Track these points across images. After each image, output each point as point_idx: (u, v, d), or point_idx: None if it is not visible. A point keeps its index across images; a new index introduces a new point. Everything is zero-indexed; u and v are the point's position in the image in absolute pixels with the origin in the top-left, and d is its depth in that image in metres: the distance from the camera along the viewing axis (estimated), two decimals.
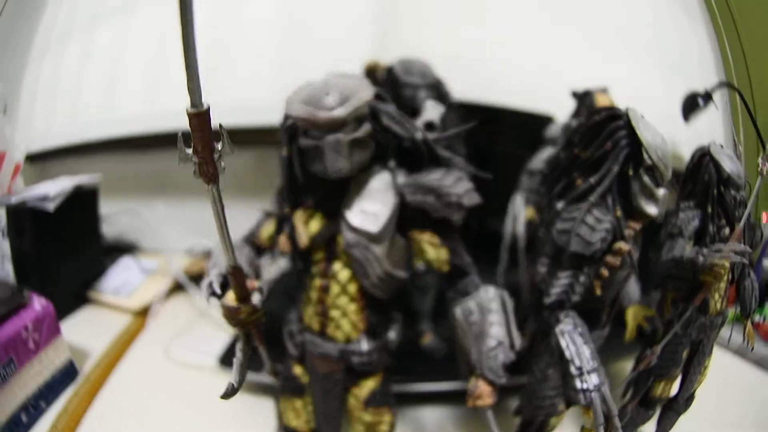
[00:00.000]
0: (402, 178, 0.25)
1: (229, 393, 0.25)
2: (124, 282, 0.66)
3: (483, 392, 0.25)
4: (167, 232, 0.69)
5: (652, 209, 0.29)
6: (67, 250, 0.64)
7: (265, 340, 0.27)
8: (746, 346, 0.46)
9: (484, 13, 0.80)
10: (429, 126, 0.27)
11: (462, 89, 0.61)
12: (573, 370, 0.25)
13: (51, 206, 0.60)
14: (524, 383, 0.34)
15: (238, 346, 0.25)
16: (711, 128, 0.57)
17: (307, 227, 0.25)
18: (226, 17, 0.78)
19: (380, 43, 0.77)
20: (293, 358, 0.30)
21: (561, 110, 0.61)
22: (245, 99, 0.75)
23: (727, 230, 0.39)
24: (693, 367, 0.42)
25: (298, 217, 0.26)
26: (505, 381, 0.25)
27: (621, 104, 0.54)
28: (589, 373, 0.25)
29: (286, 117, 0.25)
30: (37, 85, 0.87)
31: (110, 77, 0.83)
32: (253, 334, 0.25)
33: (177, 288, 0.66)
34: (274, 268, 0.33)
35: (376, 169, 0.25)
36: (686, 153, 0.46)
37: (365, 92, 0.25)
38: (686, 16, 0.76)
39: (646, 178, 0.29)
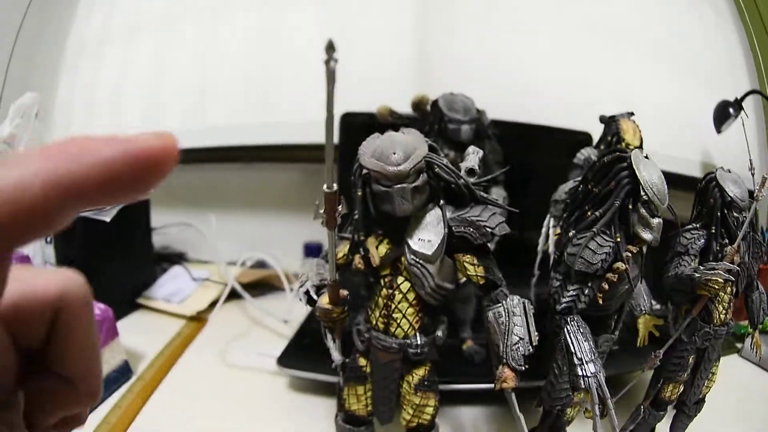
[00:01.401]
0: (450, 213, 0.40)
1: (339, 368, 0.42)
2: (177, 289, 0.83)
3: (507, 377, 0.39)
4: (217, 244, 0.84)
5: (647, 235, 0.42)
6: (117, 258, 0.80)
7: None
8: (754, 354, 0.59)
9: (521, 33, 0.94)
10: (470, 172, 0.41)
11: (502, 108, 0.75)
12: (575, 360, 0.39)
13: (108, 217, 0.75)
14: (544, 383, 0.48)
15: (329, 338, 0.40)
16: (742, 138, 0.66)
17: (378, 250, 0.40)
18: (274, 41, 0.93)
19: (420, 69, 0.91)
20: (359, 352, 0.45)
21: (597, 126, 0.74)
22: (291, 117, 0.90)
23: (729, 248, 0.52)
24: (699, 373, 0.55)
25: (370, 242, 0.41)
26: (524, 369, 0.39)
27: (650, 125, 0.67)
28: (587, 362, 0.39)
29: (360, 166, 0.40)
30: (73, 91, 1.05)
31: (155, 88, 1.00)
32: (337, 330, 0.40)
33: (230, 297, 0.81)
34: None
35: (430, 207, 0.40)
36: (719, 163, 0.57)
37: (422, 149, 0.39)
38: (721, 27, 0.89)
39: (642, 210, 0.42)
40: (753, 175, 0.52)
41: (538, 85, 0.94)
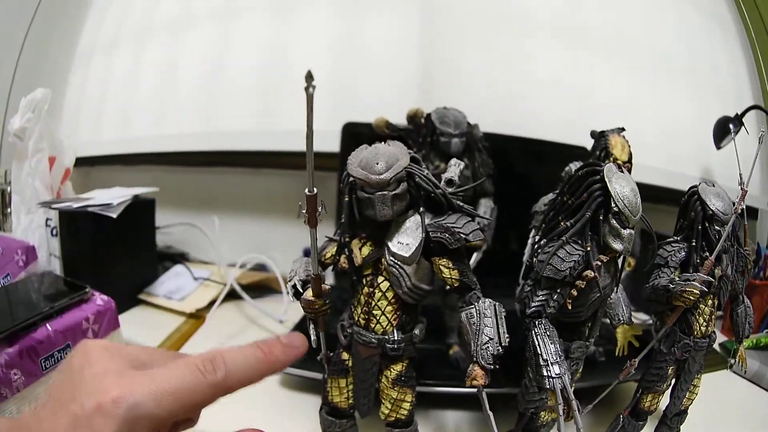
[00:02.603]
0: (428, 220, 0.45)
1: (324, 361, 0.50)
2: (178, 287, 0.90)
3: (477, 375, 0.44)
4: (219, 246, 0.91)
5: (618, 246, 0.46)
6: (122, 254, 0.87)
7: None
8: (740, 367, 0.63)
9: (526, 49, 1.00)
10: (449, 182, 0.47)
11: (503, 122, 0.80)
12: (541, 361, 0.44)
13: (114, 214, 0.82)
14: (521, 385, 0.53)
15: (312, 330, 0.46)
16: (744, 154, 0.69)
17: (361, 252, 0.46)
18: (282, 51, 1.01)
19: (425, 82, 0.97)
20: (342, 346, 0.50)
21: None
22: (296, 125, 0.97)
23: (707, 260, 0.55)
24: (680, 384, 0.59)
25: (354, 244, 0.46)
26: (493, 368, 0.43)
27: (651, 140, 0.72)
28: (552, 364, 0.44)
29: (348, 175, 0.46)
30: (83, 90, 1.14)
31: (163, 91, 1.08)
32: (319, 322, 0.46)
33: (229, 297, 0.88)
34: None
35: (410, 214, 0.46)
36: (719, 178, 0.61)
37: (404, 159, 0.45)
38: (724, 41, 0.93)
39: (613, 221, 0.47)
40: (742, 188, 0.55)
41: (540, 99, 0.99)
